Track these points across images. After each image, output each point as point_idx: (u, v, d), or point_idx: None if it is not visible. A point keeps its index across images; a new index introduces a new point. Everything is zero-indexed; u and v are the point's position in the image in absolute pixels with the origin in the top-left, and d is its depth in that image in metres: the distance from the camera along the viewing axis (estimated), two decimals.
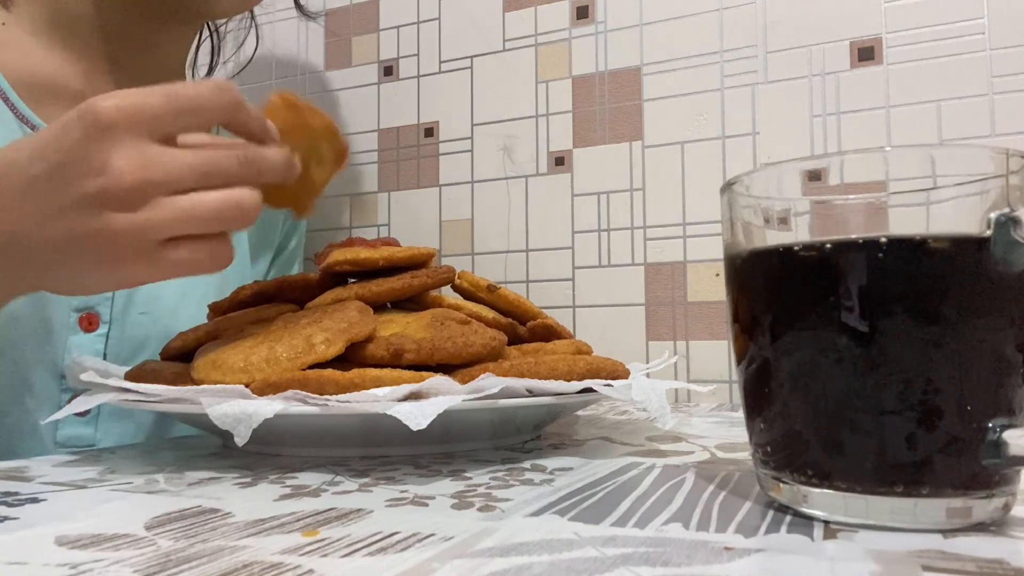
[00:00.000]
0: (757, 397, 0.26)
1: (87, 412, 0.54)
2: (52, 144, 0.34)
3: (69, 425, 0.54)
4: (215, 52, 0.79)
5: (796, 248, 0.25)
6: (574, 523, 0.24)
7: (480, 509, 0.26)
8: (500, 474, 0.33)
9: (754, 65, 0.72)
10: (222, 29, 0.79)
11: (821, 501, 0.24)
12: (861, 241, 0.23)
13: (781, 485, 0.26)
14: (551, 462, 0.36)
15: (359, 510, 0.26)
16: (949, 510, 0.23)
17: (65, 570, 0.20)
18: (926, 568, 0.19)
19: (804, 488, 0.25)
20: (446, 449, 0.40)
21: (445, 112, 0.85)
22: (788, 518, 0.25)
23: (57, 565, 0.20)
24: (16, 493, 0.30)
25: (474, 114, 0.84)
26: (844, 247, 0.24)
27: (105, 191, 0.33)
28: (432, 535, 0.23)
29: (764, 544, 0.22)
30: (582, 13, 0.79)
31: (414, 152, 0.87)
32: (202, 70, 0.81)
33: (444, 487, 0.30)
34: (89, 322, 0.54)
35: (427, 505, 0.27)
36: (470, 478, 0.32)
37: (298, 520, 0.25)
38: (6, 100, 0.52)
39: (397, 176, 0.87)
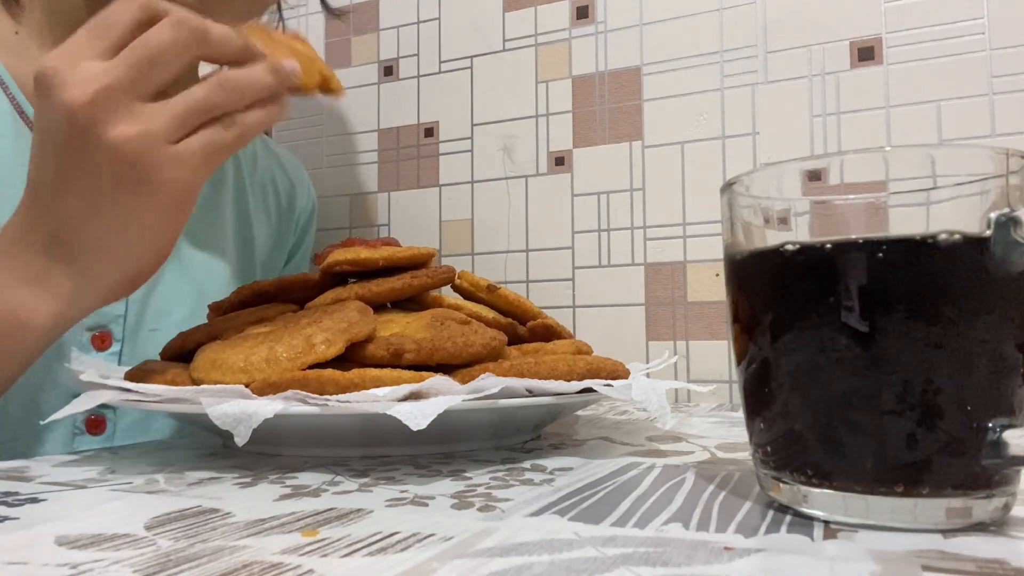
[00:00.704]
0: (757, 397, 0.26)
1: (103, 431, 0.54)
2: (48, 154, 0.37)
3: (85, 444, 0.54)
4: None
5: (796, 248, 0.25)
6: (574, 523, 0.24)
7: (480, 509, 0.26)
8: (500, 474, 0.33)
9: (754, 65, 0.72)
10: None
11: (821, 501, 0.24)
12: (861, 241, 0.23)
13: (781, 485, 0.26)
14: (551, 462, 0.36)
15: (359, 510, 0.26)
16: (949, 510, 0.23)
17: (65, 570, 0.20)
18: (926, 568, 0.19)
19: (804, 488, 0.25)
20: (446, 449, 0.40)
21: (445, 112, 0.85)
22: (788, 518, 0.25)
23: (57, 565, 0.20)
24: (16, 493, 0.30)
25: (474, 114, 0.84)
26: (844, 247, 0.24)
27: (114, 163, 0.36)
28: (432, 535, 0.23)
29: (764, 544, 0.22)
30: (582, 13, 0.79)
31: (414, 152, 0.87)
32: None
33: (444, 487, 0.30)
34: (102, 340, 0.54)
35: (427, 505, 0.27)
36: (470, 478, 0.32)
37: (298, 520, 0.25)
38: (21, 113, 0.52)
39: (397, 176, 0.87)
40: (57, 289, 0.39)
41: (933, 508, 0.23)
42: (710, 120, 0.73)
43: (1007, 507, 0.24)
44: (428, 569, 0.19)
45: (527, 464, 0.35)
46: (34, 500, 0.28)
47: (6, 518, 0.26)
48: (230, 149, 0.39)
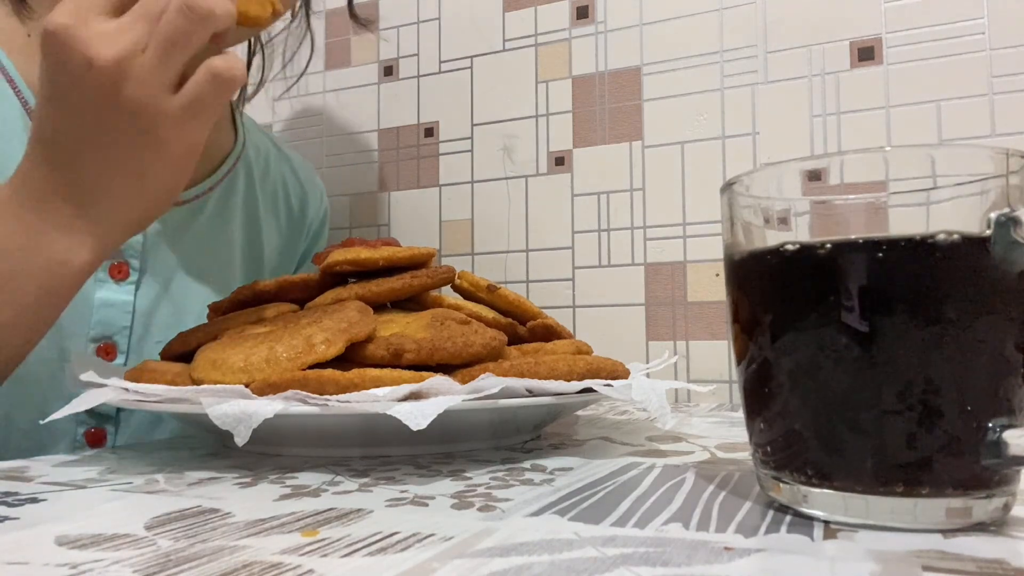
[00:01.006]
0: (757, 397, 0.26)
1: (103, 444, 0.54)
2: (66, 109, 0.40)
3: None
4: (264, 67, 0.76)
5: (796, 248, 0.25)
6: (574, 523, 0.24)
7: (480, 509, 0.26)
8: (500, 474, 0.33)
9: (754, 65, 0.72)
10: (271, 42, 0.76)
11: (821, 501, 0.24)
12: (861, 241, 0.23)
13: (781, 485, 0.26)
14: (551, 462, 0.36)
15: (359, 510, 0.26)
16: (949, 510, 0.23)
17: (65, 570, 0.20)
18: (926, 568, 0.19)
19: (804, 488, 0.25)
20: (446, 449, 0.40)
21: (445, 112, 0.85)
22: (788, 518, 0.25)
23: (57, 565, 0.20)
24: (16, 493, 0.30)
25: (474, 114, 0.84)
26: (844, 247, 0.24)
27: (135, 121, 0.39)
28: (432, 535, 0.23)
29: (764, 544, 0.22)
30: (582, 13, 0.79)
31: (414, 152, 0.87)
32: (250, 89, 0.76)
33: (444, 487, 0.30)
34: (107, 352, 0.54)
35: (427, 505, 0.27)
36: (470, 478, 0.32)
37: (298, 520, 0.25)
38: (31, 113, 0.52)
39: (397, 176, 0.87)
40: (86, 233, 0.41)
41: (933, 508, 0.23)
42: (710, 120, 0.73)
43: (1007, 507, 0.24)
44: (428, 569, 0.19)
45: (527, 464, 0.35)
46: (34, 500, 0.28)
47: (6, 518, 0.26)
48: (229, 86, 0.41)
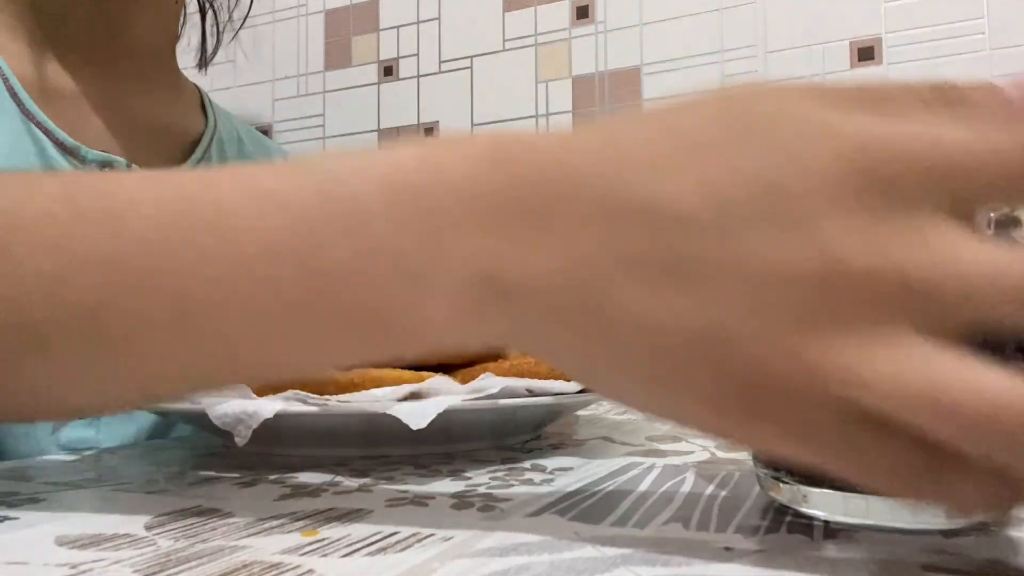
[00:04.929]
0: None
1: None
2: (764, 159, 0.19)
3: (71, 428, 0.53)
4: (218, 24, 0.70)
5: None
6: (574, 523, 0.24)
7: (480, 509, 0.26)
8: (500, 474, 0.33)
9: (754, 65, 0.72)
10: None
11: (821, 501, 0.24)
12: None
13: (781, 485, 0.26)
14: (551, 462, 0.36)
15: (359, 510, 0.26)
16: (950, 510, 0.23)
17: (65, 570, 0.20)
18: (926, 568, 0.19)
19: (804, 488, 0.25)
20: (446, 449, 0.40)
21: (445, 112, 0.85)
22: (788, 518, 0.25)
23: (57, 565, 0.20)
24: (16, 493, 0.30)
25: (474, 114, 0.84)
26: None
27: (827, 276, 0.18)
28: (432, 535, 0.23)
29: (764, 544, 0.21)
30: (582, 13, 0.79)
31: None
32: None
33: (444, 487, 0.30)
34: None
35: (427, 505, 0.27)
36: (470, 478, 0.32)
37: (298, 520, 0.25)
38: (14, 95, 0.51)
39: None
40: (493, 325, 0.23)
41: (933, 508, 0.23)
42: None
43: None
44: (428, 569, 0.19)
45: (527, 464, 0.35)
46: (34, 500, 0.28)
47: (6, 518, 0.26)
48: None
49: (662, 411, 0.21)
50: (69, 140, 0.51)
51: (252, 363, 0.25)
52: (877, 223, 0.18)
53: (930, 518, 0.23)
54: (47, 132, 0.51)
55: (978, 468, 0.17)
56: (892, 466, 0.18)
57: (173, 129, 0.62)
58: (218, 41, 0.72)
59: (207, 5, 0.70)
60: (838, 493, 0.24)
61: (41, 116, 0.51)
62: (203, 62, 0.71)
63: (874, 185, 0.18)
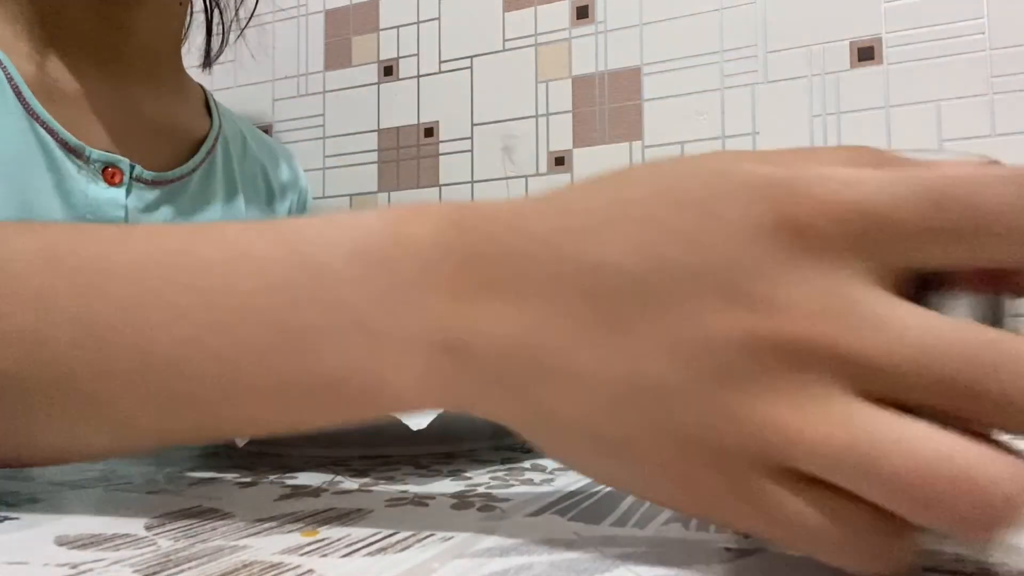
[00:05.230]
0: None
1: None
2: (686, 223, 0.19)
3: None
4: (223, 22, 0.69)
5: None
6: (574, 523, 0.24)
7: (480, 509, 0.26)
8: (500, 474, 0.33)
9: (754, 65, 0.72)
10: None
11: None
12: None
13: None
14: (551, 462, 0.36)
15: (359, 510, 0.26)
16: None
17: (65, 570, 0.20)
18: (926, 568, 0.19)
19: None
20: (446, 449, 0.40)
21: (445, 112, 0.85)
22: None
23: (57, 565, 0.20)
24: (16, 493, 0.30)
25: (474, 114, 0.84)
26: None
27: (754, 338, 0.18)
28: (432, 535, 0.23)
29: (764, 544, 0.22)
30: (582, 13, 0.79)
31: (414, 152, 0.87)
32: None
33: (444, 487, 0.30)
34: None
35: (427, 505, 0.27)
36: (470, 478, 0.32)
37: (298, 520, 0.25)
38: (19, 95, 0.51)
39: (397, 176, 0.87)
40: (461, 370, 0.22)
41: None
42: (710, 120, 0.73)
43: None
44: (428, 569, 0.19)
45: (527, 464, 0.35)
46: (34, 500, 0.28)
47: (6, 518, 0.26)
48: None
49: (611, 478, 0.21)
50: (73, 139, 0.51)
51: (219, 422, 0.25)
52: (802, 279, 0.17)
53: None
54: (51, 131, 0.51)
55: (906, 527, 0.17)
56: (820, 528, 0.17)
57: (178, 129, 0.62)
58: (223, 41, 0.72)
59: (213, 5, 0.70)
60: None
61: (45, 115, 0.51)
62: (207, 62, 0.71)
63: (792, 231, 0.18)
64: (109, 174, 0.53)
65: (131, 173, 0.54)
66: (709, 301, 0.18)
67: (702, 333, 0.18)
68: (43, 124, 0.51)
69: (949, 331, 0.17)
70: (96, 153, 0.52)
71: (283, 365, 0.23)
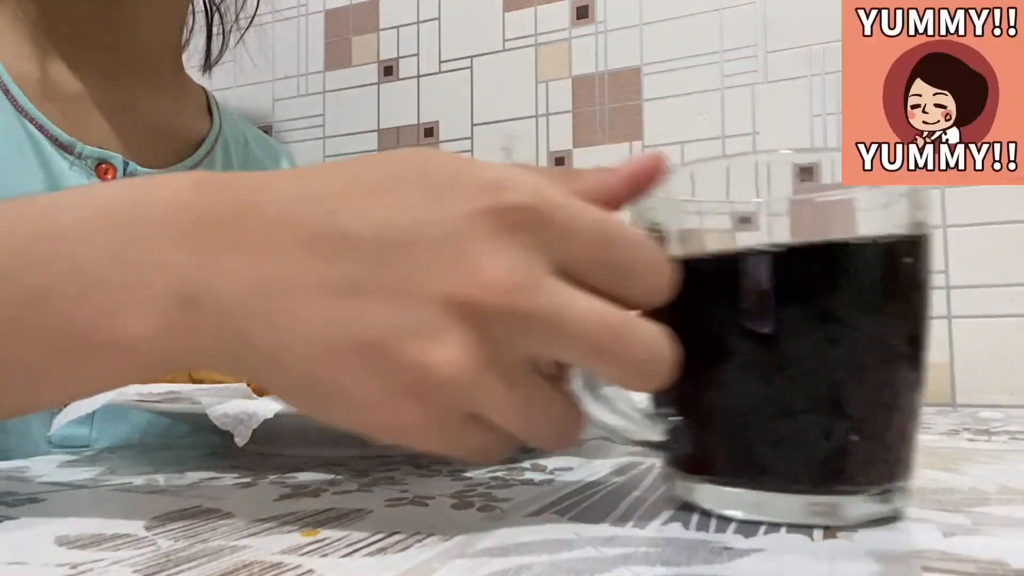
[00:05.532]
0: (664, 398, 0.26)
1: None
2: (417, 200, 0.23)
3: (63, 426, 0.53)
4: (219, 33, 0.70)
5: (699, 257, 0.25)
6: (574, 523, 0.24)
7: (480, 509, 0.26)
8: (500, 474, 0.33)
9: (754, 65, 0.72)
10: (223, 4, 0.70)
11: (703, 494, 0.25)
12: (759, 250, 0.23)
13: (677, 481, 0.26)
14: (551, 462, 0.36)
15: (359, 510, 0.26)
16: (867, 505, 0.23)
17: (65, 570, 0.20)
18: (926, 568, 0.19)
19: (690, 483, 0.25)
20: None
21: (445, 112, 0.85)
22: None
23: (57, 565, 0.20)
24: (16, 493, 0.30)
25: (474, 114, 0.84)
26: (741, 256, 0.24)
27: (462, 297, 0.22)
28: (432, 535, 0.23)
29: (764, 544, 0.22)
30: (582, 13, 0.79)
31: None
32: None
33: (444, 487, 0.30)
34: None
35: (427, 505, 0.27)
36: (470, 478, 0.32)
37: (298, 520, 0.25)
38: (7, 93, 0.51)
39: None
40: (193, 308, 0.23)
41: (852, 504, 0.23)
42: (710, 120, 0.73)
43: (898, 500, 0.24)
44: (428, 569, 0.19)
45: (527, 464, 0.35)
46: (34, 500, 0.28)
47: (6, 518, 0.26)
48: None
49: (328, 417, 0.24)
50: (64, 136, 0.51)
51: None
52: (497, 252, 0.22)
53: (849, 514, 0.23)
54: (41, 128, 0.51)
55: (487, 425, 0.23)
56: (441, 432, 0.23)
57: (177, 130, 0.62)
58: (224, 44, 0.72)
59: (213, 8, 0.70)
60: (714, 487, 0.24)
61: (35, 112, 0.51)
62: (207, 64, 0.71)
63: (495, 216, 0.22)
64: (102, 170, 0.53)
65: (125, 169, 0.54)
66: (423, 264, 0.22)
67: (413, 292, 0.22)
68: (32, 121, 0.51)
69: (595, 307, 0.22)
70: (88, 149, 0.52)
71: (27, 323, 0.24)
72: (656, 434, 0.26)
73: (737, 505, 0.24)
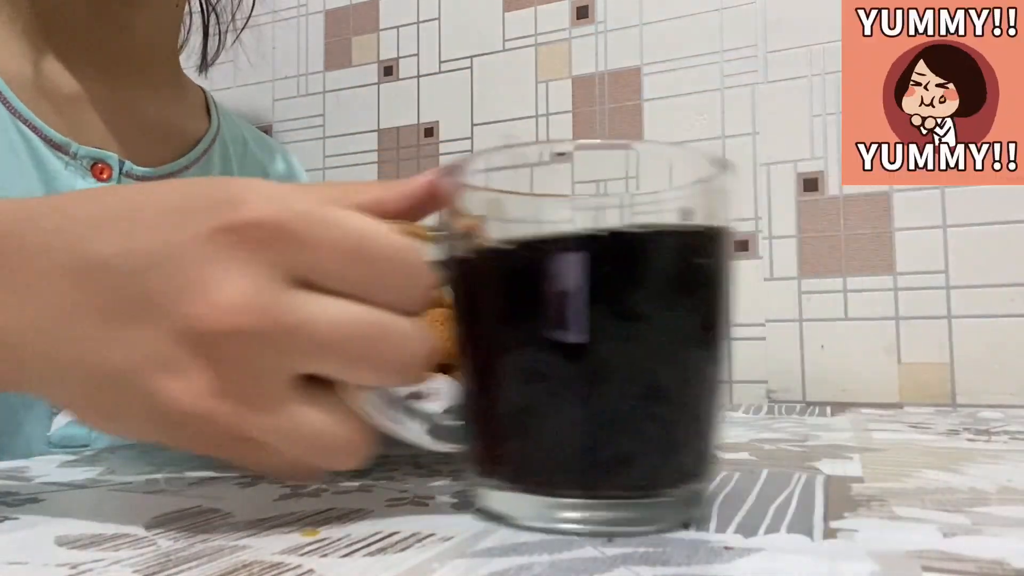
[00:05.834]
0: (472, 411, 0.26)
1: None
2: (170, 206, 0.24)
3: (62, 426, 0.53)
4: (215, 33, 0.70)
5: (485, 250, 0.24)
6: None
7: (480, 509, 0.26)
8: None
9: (754, 65, 0.72)
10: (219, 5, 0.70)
11: (492, 500, 0.24)
12: (550, 240, 0.23)
13: (491, 493, 0.25)
14: None
15: (359, 510, 0.26)
16: (677, 508, 0.23)
17: (65, 570, 0.20)
18: (926, 568, 0.19)
19: (480, 489, 0.25)
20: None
21: (445, 112, 0.85)
22: (788, 518, 0.25)
23: (57, 565, 0.20)
24: (16, 493, 0.30)
25: (474, 114, 0.84)
26: (530, 247, 0.23)
27: (192, 322, 0.22)
28: (432, 535, 0.23)
29: (764, 544, 0.22)
30: (582, 13, 0.79)
31: (414, 152, 0.87)
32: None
33: (444, 487, 0.30)
34: None
35: (427, 505, 0.27)
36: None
37: (298, 520, 0.25)
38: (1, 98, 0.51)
39: (397, 176, 0.87)
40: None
41: (661, 508, 0.23)
42: (710, 120, 0.73)
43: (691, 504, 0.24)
44: (428, 569, 0.19)
45: None
46: (34, 500, 0.28)
47: (6, 518, 0.26)
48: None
49: (128, 435, 0.25)
50: (57, 136, 0.51)
51: None
52: (234, 271, 0.22)
53: (666, 519, 0.23)
54: (35, 129, 0.51)
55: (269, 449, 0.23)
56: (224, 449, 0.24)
57: (174, 129, 0.62)
58: (220, 44, 0.72)
59: (209, 8, 0.70)
60: (502, 492, 0.24)
61: (27, 113, 0.51)
62: (204, 65, 0.71)
63: (229, 234, 0.22)
64: (98, 170, 0.53)
65: (120, 169, 0.54)
66: (160, 290, 0.22)
67: (155, 319, 0.22)
68: (25, 122, 0.51)
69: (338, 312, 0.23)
70: (83, 149, 0.52)
71: None
72: (454, 442, 0.26)
73: (521, 511, 0.23)
